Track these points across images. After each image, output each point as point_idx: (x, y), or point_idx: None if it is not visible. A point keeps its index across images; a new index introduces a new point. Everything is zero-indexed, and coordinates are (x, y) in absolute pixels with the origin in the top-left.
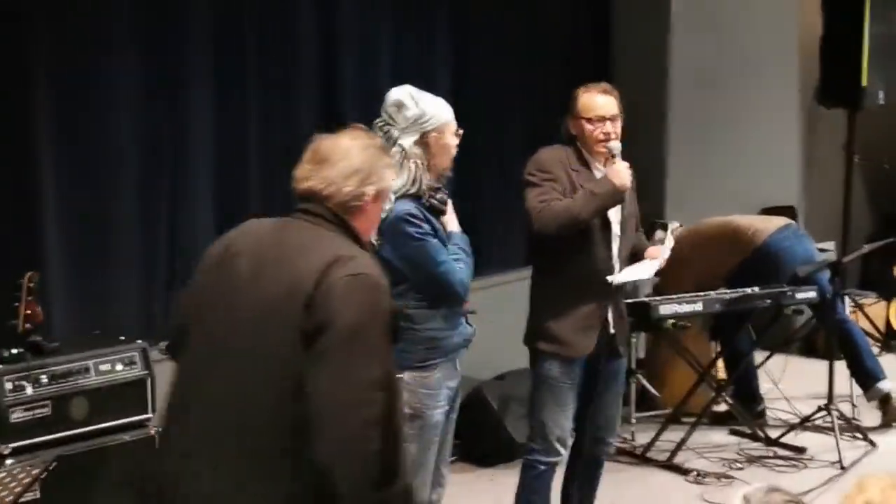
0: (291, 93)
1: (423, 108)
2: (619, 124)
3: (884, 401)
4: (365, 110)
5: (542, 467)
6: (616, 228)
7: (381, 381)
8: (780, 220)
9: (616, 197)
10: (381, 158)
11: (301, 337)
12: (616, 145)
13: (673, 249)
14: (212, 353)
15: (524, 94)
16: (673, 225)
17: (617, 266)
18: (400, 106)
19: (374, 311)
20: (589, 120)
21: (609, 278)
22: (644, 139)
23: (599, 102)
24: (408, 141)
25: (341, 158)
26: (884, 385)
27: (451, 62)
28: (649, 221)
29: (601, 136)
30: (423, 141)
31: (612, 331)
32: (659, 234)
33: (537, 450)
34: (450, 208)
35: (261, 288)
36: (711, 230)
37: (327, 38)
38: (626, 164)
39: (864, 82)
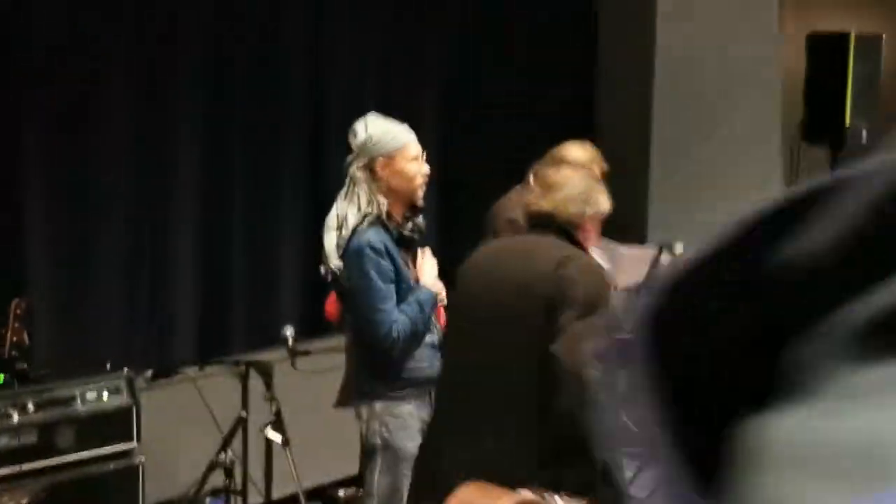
0: (277, 124)
1: (370, 133)
2: None
3: None
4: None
5: None
6: None
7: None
8: None
9: None
10: (596, 185)
11: (545, 314)
12: None
13: None
14: (473, 336)
15: (511, 125)
16: (678, 247)
17: None
18: (353, 133)
19: (600, 295)
20: None
21: None
22: (627, 177)
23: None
24: (354, 167)
25: (565, 185)
26: None
27: (440, 92)
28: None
29: None
30: (369, 166)
31: None
32: (664, 257)
33: None
34: (430, 260)
35: (506, 283)
36: None
37: (314, 67)
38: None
39: (848, 121)
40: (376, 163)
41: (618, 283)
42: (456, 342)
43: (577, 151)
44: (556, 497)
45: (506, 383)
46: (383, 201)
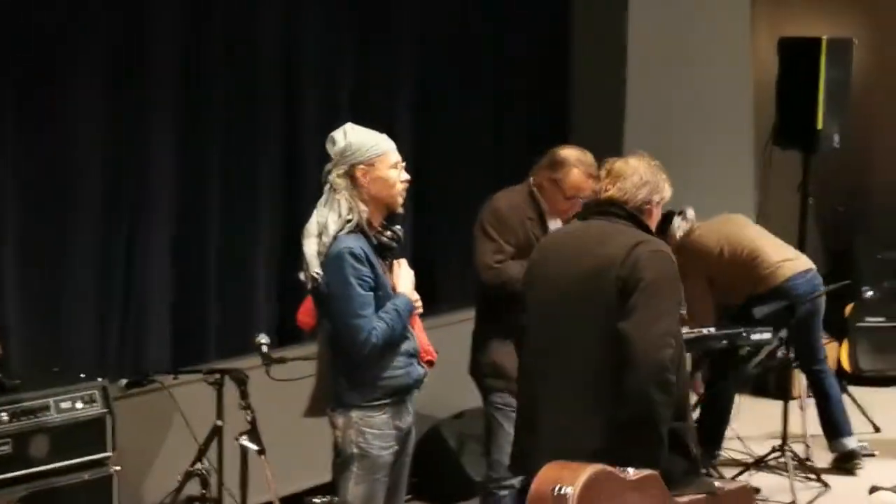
0: (252, 130)
1: (349, 141)
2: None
3: (846, 456)
4: (324, 149)
5: (503, 492)
6: None
7: (672, 332)
8: (803, 263)
9: None
10: (660, 175)
11: (617, 295)
12: None
13: (691, 254)
14: (549, 316)
15: (485, 133)
16: (689, 213)
17: None
18: (332, 141)
19: (669, 278)
20: (568, 198)
21: None
22: None
23: (587, 185)
24: (335, 174)
25: (633, 174)
26: (849, 442)
27: (413, 100)
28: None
29: (569, 211)
30: (349, 174)
31: None
32: (677, 221)
33: (495, 478)
34: (406, 269)
35: (580, 265)
36: (736, 251)
37: (288, 75)
38: None
39: (820, 125)
40: (357, 170)
41: None
42: (535, 323)
43: (574, 154)
44: (629, 469)
45: (582, 362)
46: (364, 209)
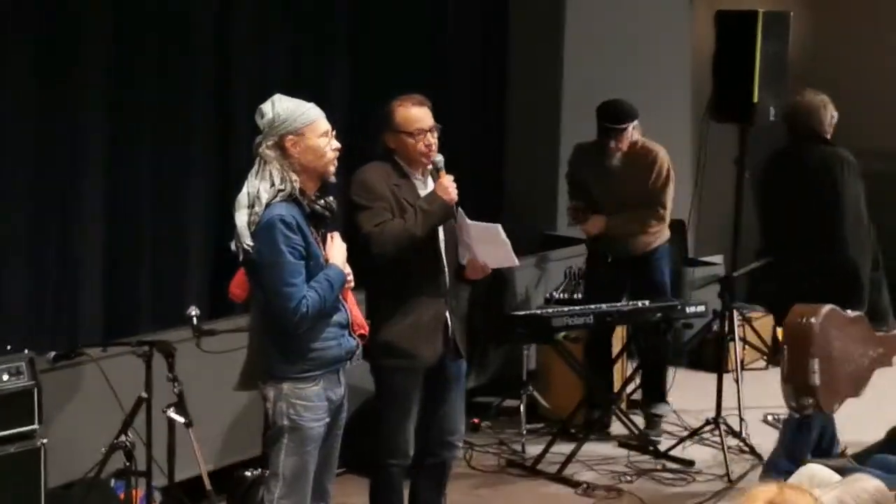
0: (184, 103)
1: (277, 112)
2: (436, 135)
3: None
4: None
5: (393, 470)
6: (441, 233)
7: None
8: None
9: (447, 211)
10: (826, 102)
11: (825, 193)
12: (439, 159)
13: None
14: (783, 210)
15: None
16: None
17: (446, 269)
18: (260, 113)
19: (854, 175)
20: (410, 134)
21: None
22: (538, 153)
23: (417, 115)
24: (264, 146)
25: (811, 109)
26: None
27: (348, 76)
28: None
29: (424, 149)
30: (279, 144)
31: (451, 334)
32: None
33: (386, 454)
34: (339, 242)
35: (802, 174)
36: None
37: (221, 54)
38: (451, 178)
39: (756, 98)
40: (286, 140)
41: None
42: (771, 216)
43: (395, 100)
44: (848, 311)
45: (807, 240)
46: (295, 178)
